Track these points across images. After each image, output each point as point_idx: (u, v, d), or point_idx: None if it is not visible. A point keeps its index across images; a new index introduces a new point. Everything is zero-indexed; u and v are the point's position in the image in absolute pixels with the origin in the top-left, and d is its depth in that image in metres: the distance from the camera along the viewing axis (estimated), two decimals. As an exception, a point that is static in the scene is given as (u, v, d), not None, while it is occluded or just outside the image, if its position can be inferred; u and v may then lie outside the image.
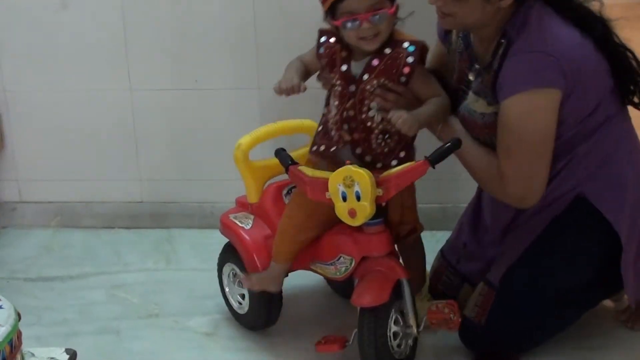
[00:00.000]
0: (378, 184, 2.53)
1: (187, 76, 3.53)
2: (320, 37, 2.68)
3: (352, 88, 2.60)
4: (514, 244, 2.75)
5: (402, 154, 2.64)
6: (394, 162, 2.62)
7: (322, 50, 2.67)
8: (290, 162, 2.71)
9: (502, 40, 2.57)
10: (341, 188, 2.54)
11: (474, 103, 2.67)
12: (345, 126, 2.61)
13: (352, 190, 2.52)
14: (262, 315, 2.91)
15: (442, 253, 3.08)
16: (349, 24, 2.52)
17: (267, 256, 2.81)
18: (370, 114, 2.59)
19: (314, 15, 3.32)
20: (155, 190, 3.69)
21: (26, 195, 3.76)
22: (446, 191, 3.49)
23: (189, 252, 3.52)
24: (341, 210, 2.55)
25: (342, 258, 2.68)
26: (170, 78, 3.54)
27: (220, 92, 3.51)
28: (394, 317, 2.61)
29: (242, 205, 2.97)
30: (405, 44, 2.58)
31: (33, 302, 3.18)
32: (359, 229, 2.60)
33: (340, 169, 2.55)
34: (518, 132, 2.53)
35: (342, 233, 2.67)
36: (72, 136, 3.66)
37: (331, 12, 2.57)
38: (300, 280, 3.04)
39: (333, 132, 2.64)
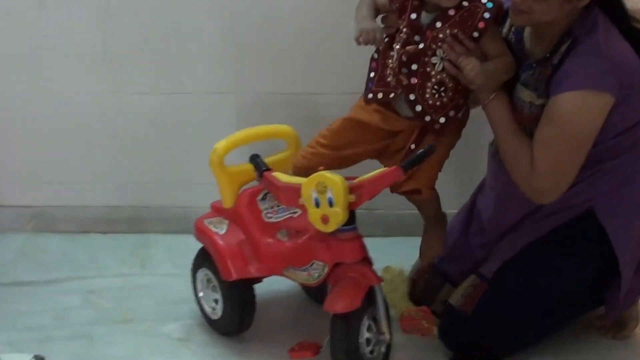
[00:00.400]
0: (351, 190, 2.53)
1: (166, 80, 3.52)
2: None
3: (417, 38, 2.58)
4: (512, 241, 2.78)
5: (451, 113, 2.64)
6: (442, 119, 2.63)
7: None
8: (264, 168, 2.72)
9: (566, 39, 2.59)
10: (314, 194, 2.54)
11: (521, 92, 2.68)
12: (405, 70, 2.60)
13: (324, 196, 2.52)
14: (235, 320, 2.90)
15: None
16: None
17: (241, 262, 2.80)
18: (433, 60, 2.58)
19: (293, 21, 3.35)
20: (131, 194, 3.68)
21: (1, 199, 3.74)
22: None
23: (165, 257, 3.51)
24: (314, 216, 2.56)
25: (315, 264, 2.68)
26: (150, 81, 3.54)
27: (197, 96, 3.51)
28: (366, 324, 2.62)
29: (217, 210, 2.97)
30: (483, 0, 2.58)
31: (7, 307, 3.17)
32: (332, 235, 2.60)
33: (313, 175, 2.56)
34: (564, 127, 2.54)
35: (316, 239, 2.67)
36: (49, 139, 3.65)
37: None
38: (273, 285, 3.04)
39: (390, 78, 2.64)
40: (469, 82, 2.53)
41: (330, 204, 2.52)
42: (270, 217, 2.89)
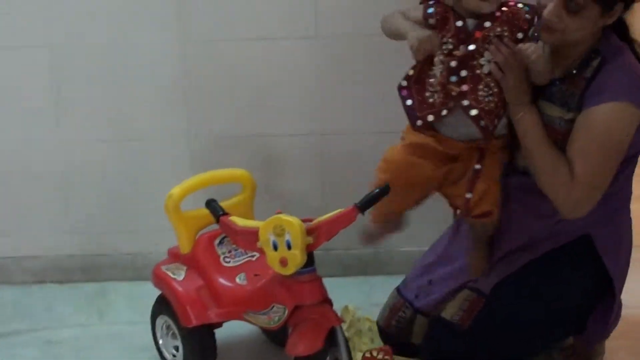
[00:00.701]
0: (308, 232, 2.54)
1: (118, 127, 3.51)
2: (426, 8, 2.61)
3: (463, 48, 2.57)
4: (510, 260, 2.77)
5: (496, 121, 2.61)
6: (493, 126, 2.61)
7: (431, 11, 2.60)
8: (221, 213, 2.71)
9: (594, 57, 2.62)
10: (272, 237, 2.54)
11: (548, 108, 2.68)
12: (453, 78, 2.57)
13: (282, 239, 2.53)
14: (196, 366, 2.89)
15: (399, 291, 3.02)
16: None
17: (201, 307, 2.80)
18: (482, 61, 2.56)
19: (245, 64, 3.36)
20: (86, 243, 3.65)
21: (-47, 253, 3.71)
22: (379, 236, 3.49)
23: (123, 305, 3.48)
24: (273, 259, 2.55)
25: (275, 307, 2.68)
26: (100, 129, 3.52)
27: (150, 142, 3.50)
28: (329, 365, 2.61)
29: (175, 256, 2.96)
30: (520, 5, 2.59)
31: (-37, 362, 3.13)
32: (292, 277, 2.60)
33: (270, 218, 2.56)
34: (603, 138, 2.56)
35: (275, 282, 2.67)
36: (1, 191, 3.62)
37: None
38: (234, 330, 3.03)
39: (434, 97, 2.60)
40: (534, 61, 2.52)
41: (289, 246, 2.52)
42: (229, 262, 2.89)
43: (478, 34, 2.55)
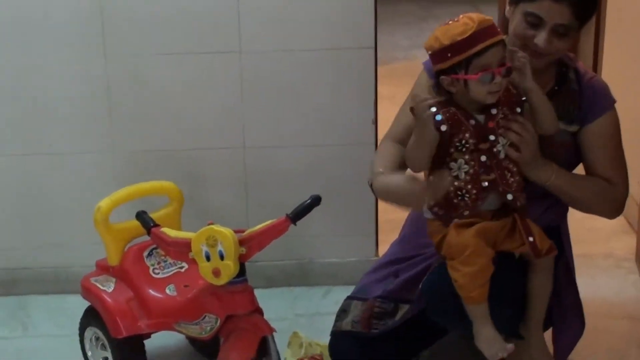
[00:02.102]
0: (241, 242, 2.58)
1: (38, 141, 3.49)
2: (435, 114, 2.55)
3: (485, 139, 2.58)
4: None
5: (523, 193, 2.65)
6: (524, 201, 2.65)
7: (440, 118, 2.55)
8: (152, 224, 2.74)
9: (564, 69, 2.78)
10: (204, 248, 2.58)
11: None
12: (482, 170, 2.59)
13: (215, 249, 2.56)
14: (125, 378, 2.90)
15: (359, 297, 2.97)
16: (486, 78, 2.52)
17: (131, 318, 2.82)
18: (498, 147, 2.58)
19: (167, 79, 3.38)
20: (5, 257, 3.61)
21: None
22: (303, 248, 3.55)
23: (46, 319, 3.44)
24: (205, 270, 2.59)
25: (207, 317, 2.71)
26: (21, 143, 3.49)
27: (73, 156, 3.48)
28: (261, 375, 2.65)
29: (103, 268, 2.97)
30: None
31: None
32: (223, 287, 2.63)
33: (202, 229, 2.59)
34: (618, 141, 2.81)
35: (206, 292, 2.70)
36: None
37: (464, 66, 2.54)
38: (163, 341, 3.05)
39: (464, 197, 2.57)
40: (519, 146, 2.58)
41: (222, 257, 2.56)
42: (158, 273, 2.91)
43: (491, 124, 2.58)
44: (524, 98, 2.60)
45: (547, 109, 2.61)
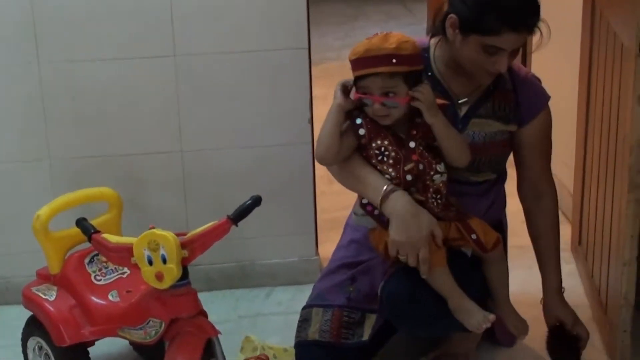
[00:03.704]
0: (183, 245, 2.58)
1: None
2: (356, 117, 2.67)
3: (408, 159, 2.66)
4: None
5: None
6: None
7: (359, 121, 2.67)
8: (93, 231, 2.73)
9: None
10: (147, 252, 2.58)
11: (483, 126, 2.81)
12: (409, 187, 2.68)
13: (157, 253, 2.56)
14: (69, 386, 2.89)
15: (319, 304, 2.95)
16: (365, 101, 2.61)
17: (74, 326, 2.81)
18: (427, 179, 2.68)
19: (103, 84, 3.37)
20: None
21: None
22: (243, 249, 3.56)
23: (-15, 330, 3.42)
24: (148, 274, 2.59)
25: (151, 322, 2.71)
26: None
27: (9, 165, 3.45)
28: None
29: (44, 277, 2.95)
30: (417, 119, 2.68)
31: None
32: (167, 291, 2.63)
33: (144, 233, 2.59)
34: (550, 136, 2.92)
35: (150, 297, 2.70)
36: None
37: (355, 82, 2.65)
38: (107, 348, 3.05)
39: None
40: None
41: (164, 260, 2.56)
42: (100, 280, 2.90)
43: (415, 157, 2.65)
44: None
45: (451, 143, 2.67)
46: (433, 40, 2.83)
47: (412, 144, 2.66)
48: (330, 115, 2.67)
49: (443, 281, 2.68)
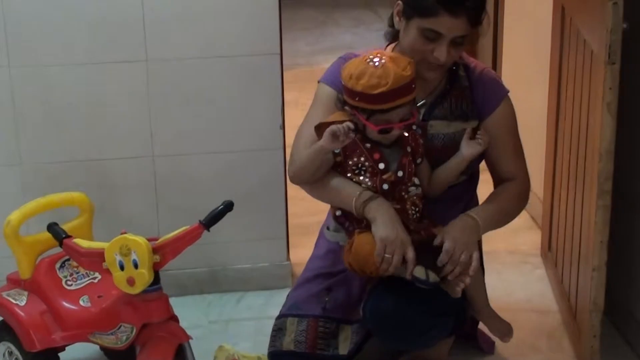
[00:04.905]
0: (154, 250, 2.59)
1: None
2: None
3: (386, 169, 2.69)
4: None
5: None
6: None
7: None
8: (64, 236, 2.73)
9: (454, 67, 2.82)
10: (118, 257, 2.58)
11: (442, 127, 2.81)
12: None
13: (129, 258, 2.56)
14: (41, 392, 2.87)
15: (294, 313, 2.94)
16: (386, 130, 2.61)
17: (45, 331, 2.80)
18: (410, 190, 2.71)
19: (74, 89, 3.36)
20: None
21: None
22: (214, 254, 3.55)
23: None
24: (120, 279, 2.59)
25: (122, 327, 2.71)
26: None
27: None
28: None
29: (14, 282, 2.94)
30: (413, 126, 2.72)
31: None
32: (138, 296, 2.63)
33: (115, 238, 2.59)
34: (515, 130, 2.88)
35: (121, 302, 2.70)
36: None
37: (368, 114, 2.62)
38: (78, 353, 3.04)
39: None
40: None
41: (136, 265, 2.56)
42: (71, 285, 2.89)
43: (405, 160, 2.69)
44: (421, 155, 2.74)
45: (446, 175, 2.79)
46: (390, 47, 2.84)
47: (408, 149, 2.69)
48: (312, 152, 2.67)
49: (478, 288, 2.79)
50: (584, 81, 3.02)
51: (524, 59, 4.31)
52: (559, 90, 3.46)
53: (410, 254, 2.61)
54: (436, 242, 2.66)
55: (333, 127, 2.57)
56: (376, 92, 2.56)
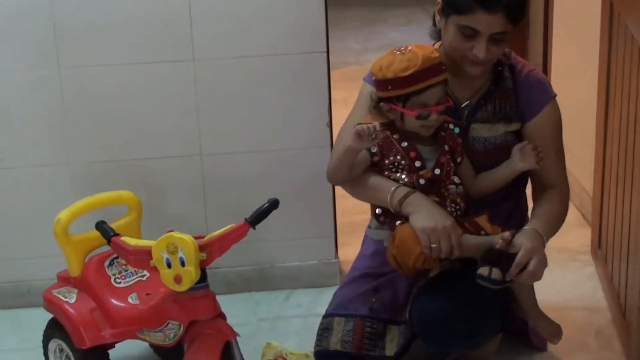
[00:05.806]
0: (201, 248, 2.60)
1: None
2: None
3: (437, 171, 2.70)
4: None
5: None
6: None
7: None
8: (112, 234, 2.75)
9: (499, 67, 2.80)
10: (165, 255, 2.59)
11: (484, 130, 2.80)
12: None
13: (176, 256, 2.58)
14: (91, 388, 2.91)
15: (342, 312, 2.93)
16: (423, 115, 2.62)
17: (94, 328, 2.83)
18: (450, 189, 2.71)
19: (122, 89, 3.39)
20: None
21: None
22: (262, 252, 3.57)
23: (9, 333, 3.41)
24: (167, 277, 2.60)
25: (170, 324, 2.73)
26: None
27: (28, 169, 3.48)
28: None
29: (64, 279, 2.97)
30: (451, 126, 2.73)
31: None
32: (185, 293, 2.65)
33: (162, 236, 2.61)
34: (560, 134, 2.85)
35: (169, 299, 2.72)
36: None
37: (403, 100, 2.63)
38: (127, 350, 3.07)
39: None
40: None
41: (182, 263, 2.58)
42: (120, 282, 2.92)
43: (443, 159, 2.69)
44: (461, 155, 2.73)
45: (492, 182, 2.78)
46: (436, 46, 2.84)
47: (446, 147, 2.69)
48: (342, 151, 2.69)
49: (527, 290, 2.79)
50: (632, 76, 2.99)
51: (573, 56, 4.27)
52: (607, 86, 3.42)
53: (455, 238, 2.60)
54: (501, 246, 2.63)
55: (357, 127, 2.59)
56: (408, 73, 2.59)
